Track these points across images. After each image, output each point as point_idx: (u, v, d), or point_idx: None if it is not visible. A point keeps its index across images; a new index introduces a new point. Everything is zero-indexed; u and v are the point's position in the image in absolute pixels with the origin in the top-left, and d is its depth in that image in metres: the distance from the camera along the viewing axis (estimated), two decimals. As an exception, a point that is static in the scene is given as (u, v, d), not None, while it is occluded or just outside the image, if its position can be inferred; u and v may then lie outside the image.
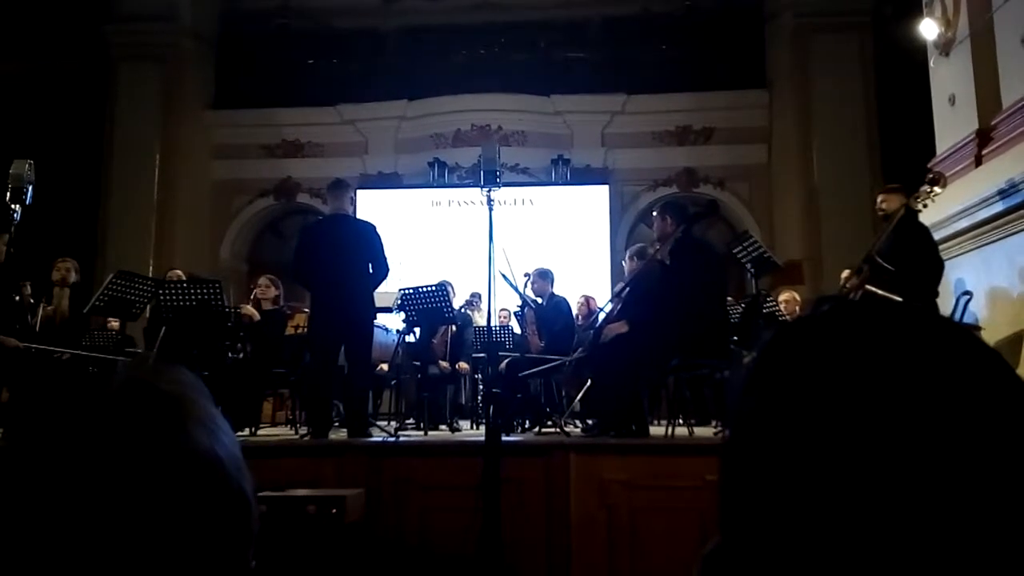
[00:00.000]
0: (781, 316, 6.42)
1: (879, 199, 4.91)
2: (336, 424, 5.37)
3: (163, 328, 4.91)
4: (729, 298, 5.70)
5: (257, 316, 5.97)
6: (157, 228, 9.99)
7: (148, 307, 5.32)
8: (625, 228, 10.37)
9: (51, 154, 8.26)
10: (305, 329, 5.89)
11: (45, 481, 0.57)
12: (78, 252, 7.27)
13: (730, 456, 0.51)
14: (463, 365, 6.71)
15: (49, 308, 5.07)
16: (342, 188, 4.87)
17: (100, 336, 6.39)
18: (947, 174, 5.25)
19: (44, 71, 10.53)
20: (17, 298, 4.73)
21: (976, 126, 5.58)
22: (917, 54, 6.75)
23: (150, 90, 10.17)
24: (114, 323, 6.48)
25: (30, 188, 3.55)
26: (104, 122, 10.18)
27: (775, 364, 0.50)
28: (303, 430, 5.33)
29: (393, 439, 4.21)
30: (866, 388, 0.45)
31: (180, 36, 10.35)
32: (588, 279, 8.98)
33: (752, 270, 5.03)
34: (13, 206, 3.51)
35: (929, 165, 5.84)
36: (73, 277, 5.27)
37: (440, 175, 10.32)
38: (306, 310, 5.88)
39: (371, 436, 4.39)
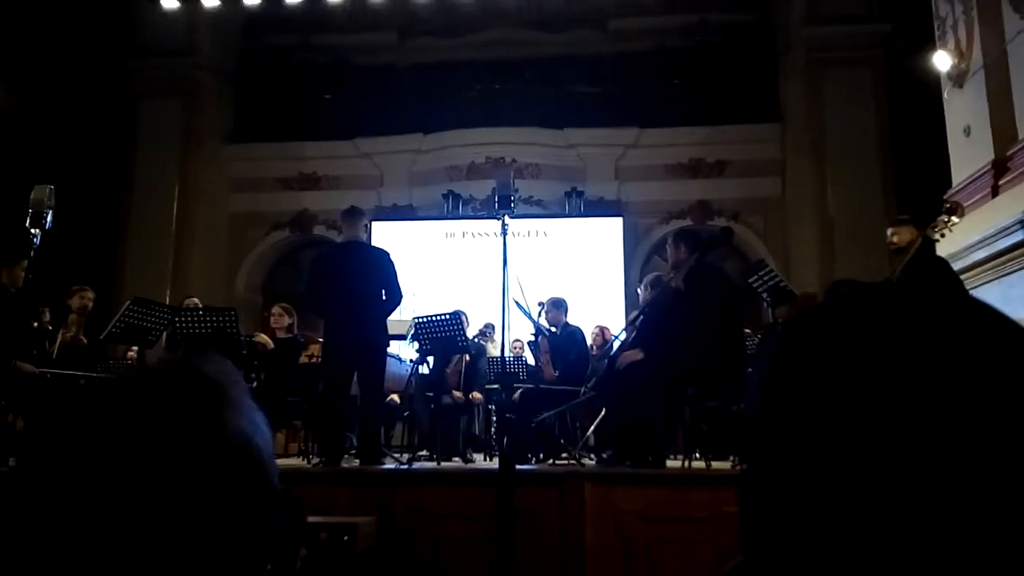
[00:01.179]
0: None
1: (889, 232, 4.85)
2: (351, 453, 5.33)
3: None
4: (747, 330, 5.65)
5: (271, 344, 5.97)
6: (174, 259, 10.09)
7: (164, 335, 5.34)
8: (639, 260, 10.37)
9: (73, 185, 8.39)
10: (319, 359, 5.88)
11: (82, 458, 0.57)
12: (96, 281, 7.35)
13: (752, 454, 0.49)
14: (476, 395, 6.66)
15: (68, 335, 5.11)
16: (356, 215, 4.90)
17: (118, 365, 6.41)
18: (964, 204, 5.22)
19: (68, 105, 10.75)
20: (36, 324, 4.76)
21: (992, 156, 5.57)
22: (931, 86, 6.78)
23: (170, 123, 10.35)
24: (132, 352, 6.51)
25: (50, 213, 3.59)
26: (125, 154, 10.36)
27: (797, 351, 0.48)
28: (316, 460, 5.30)
29: (406, 467, 4.17)
30: (897, 374, 0.43)
31: (200, 71, 10.57)
32: (602, 311, 8.95)
33: (768, 299, 4.99)
34: (33, 231, 3.54)
35: (946, 196, 5.81)
36: (90, 305, 5.32)
37: (454, 207, 10.39)
38: (320, 340, 5.88)
39: (384, 464, 4.35)
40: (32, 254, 3.64)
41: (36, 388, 4.57)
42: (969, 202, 5.55)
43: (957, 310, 0.46)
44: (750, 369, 4.75)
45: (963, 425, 0.40)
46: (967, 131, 5.99)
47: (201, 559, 0.57)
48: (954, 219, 4.68)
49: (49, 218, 3.57)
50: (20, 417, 4.91)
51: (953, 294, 0.48)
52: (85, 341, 5.22)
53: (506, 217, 3.74)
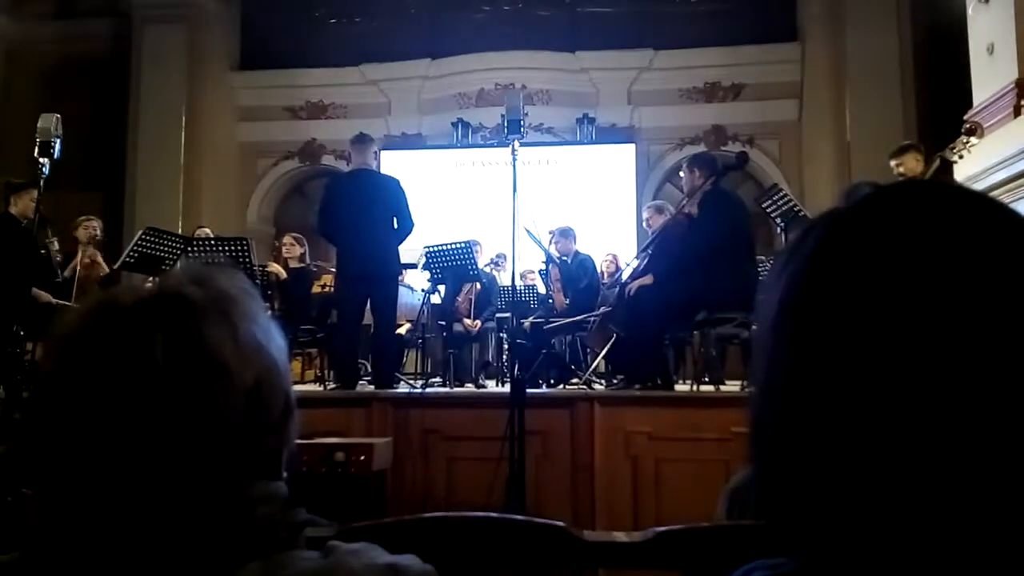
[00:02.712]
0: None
1: (893, 164, 4.74)
2: (364, 380, 5.43)
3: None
4: (760, 257, 5.62)
5: (284, 274, 6.02)
6: (184, 190, 10.06)
7: (177, 264, 5.38)
8: (652, 187, 10.25)
9: (77, 116, 8.33)
10: (331, 288, 5.93)
11: (67, 388, 0.59)
12: (105, 214, 7.39)
13: (770, 362, 0.46)
14: (469, 322, 6.66)
15: (85, 264, 5.15)
16: (365, 142, 4.85)
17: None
18: (985, 125, 5.09)
19: (69, 33, 10.58)
20: (44, 252, 4.80)
21: (1016, 75, 5.38)
22: (955, 2, 6.52)
23: (175, 52, 10.15)
24: (148, 282, 6.58)
25: (58, 142, 3.58)
26: (130, 83, 10.22)
27: (829, 256, 0.44)
28: (332, 386, 5.41)
29: (420, 391, 4.25)
30: (938, 279, 0.40)
31: (203, -4, 10.31)
32: (614, 238, 8.91)
33: (782, 224, 4.95)
34: (41, 160, 3.54)
35: (966, 116, 5.67)
36: (99, 235, 5.35)
37: (464, 136, 10.25)
38: (332, 269, 5.91)
39: (398, 389, 4.44)
40: (41, 183, 3.65)
41: (52, 316, 4.64)
42: (990, 123, 5.40)
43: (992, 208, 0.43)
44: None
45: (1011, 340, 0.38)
46: (990, 49, 5.78)
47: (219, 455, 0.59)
48: (973, 140, 4.59)
49: (57, 147, 3.56)
50: (39, 345, 5.02)
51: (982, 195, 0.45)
52: (106, 269, 5.26)
53: (516, 143, 3.69)
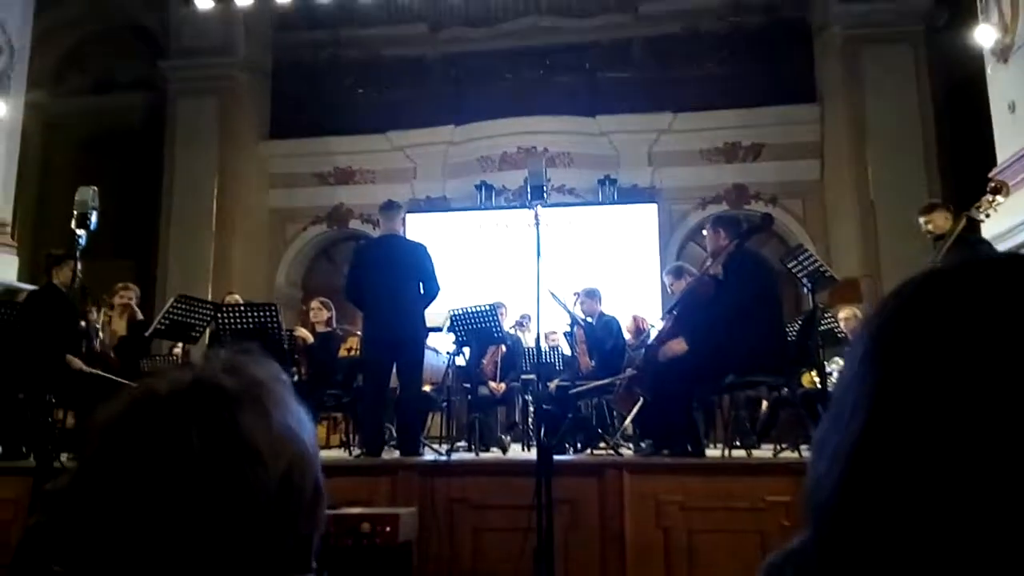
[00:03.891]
0: (840, 334, 6.25)
1: (922, 221, 4.71)
2: (390, 444, 5.39)
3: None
4: (787, 317, 5.56)
5: (311, 339, 6.06)
6: (215, 255, 10.26)
7: (207, 330, 5.45)
8: (674, 247, 10.26)
9: (114, 184, 8.61)
10: (358, 351, 5.95)
11: (101, 472, 0.60)
12: (139, 277, 7.55)
13: (852, 446, 0.41)
14: (495, 385, 6.63)
15: (114, 331, 5.23)
16: (394, 209, 4.94)
17: (163, 360, 6.57)
18: (1010, 183, 5.06)
19: (109, 106, 11.01)
20: (83, 324, 4.90)
21: (1040, 133, 5.40)
22: (975, 61, 6.58)
23: (208, 122, 10.51)
24: (177, 348, 6.66)
25: (95, 214, 3.68)
26: (164, 153, 10.57)
27: (919, 318, 0.40)
28: (356, 452, 5.38)
29: (445, 458, 4.20)
30: None
31: (236, 69, 10.71)
32: (638, 299, 8.89)
33: (808, 285, 4.90)
34: (79, 232, 3.64)
35: (991, 174, 5.65)
36: (135, 302, 5.45)
37: (487, 198, 10.40)
38: (358, 333, 5.95)
39: (423, 455, 4.39)
40: (78, 254, 3.74)
41: (85, 384, 4.70)
42: (1015, 180, 5.39)
43: None
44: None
45: None
46: (1012, 107, 5.81)
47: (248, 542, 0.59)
48: (999, 198, 4.54)
49: (94, 219, 3.66)
50: (71, 412, 5.07)
51: None
52: (127, 334, 5.34)
53: (539, 207, 3.74)
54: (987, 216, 4.59)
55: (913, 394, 0.38)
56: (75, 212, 3.65)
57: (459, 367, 6.12)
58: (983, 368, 0.37)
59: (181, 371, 0.66)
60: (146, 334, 5.24)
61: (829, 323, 6.11)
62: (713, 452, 4.53)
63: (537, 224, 3.64)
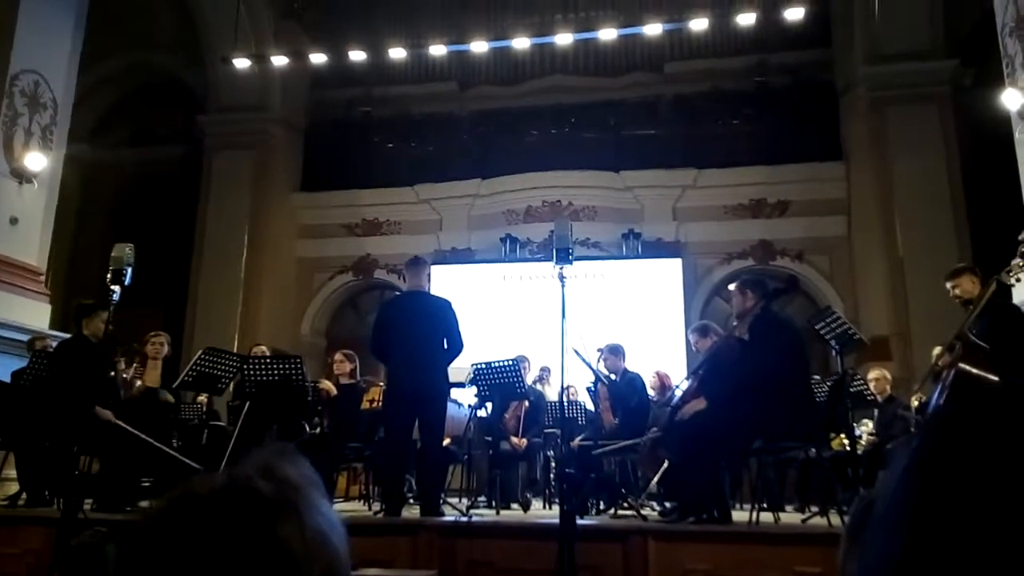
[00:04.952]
0: (870, 396, 6.14)
1: (949, 286, 4.64)
2: (410, 500, 5.35)
3: (247, 403, 5.05)
4: (816, 377, 5.48)
5: (335, 391, 6.08)
6: (243, 303, 10.42)
7: (232, 383, 5.49)
8: (699, 302, 10.21)
9: (148, 234, 8.81)
10: (380, 404, 5.95)
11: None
12: (168, 326, 7.65)
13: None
14: (516, 440, 6.57)
15: (143, 379, 5.29)
16: (420, 265, 4.98)
17: (189, 409, 6.61)
18: (1042, 246, 4.99)
19: (147, 159, 11.35)
20: (112, 374, 4.96)
21: (1071, 196, 5.34)
22: (1002, 122, 6.57)
23: (242, 174, 10.80)
24: (202, 397, 6.71)
25: (129, 270, 3.77)
26: (199, 204, 10.83)
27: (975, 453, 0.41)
28: (376, 505, 5.34)
29: (466, 519, 4.15)
30: None
31: (271, 124, 11.04)
32: (662, 354, 8.83)
33: (836, 347, 4.84)
34: (113, 287, 3.71)
35: (1021, 237, 5.58)
36: (166, 351, 5.52)
37: (512, 250, 10.48)
38: (381, 384, 5.96)
39: (444, 515, 4.34)
40: (111, 309, 3.81)
41: (112, 435, 4.74)
42: (1048, 244, 5.31)
43: None
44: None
45: None
46: (1042, 170, 5.77)
47: None
48: (1030, 262, 4.48)
49: (129, 275, 3.74)
50: (96, 460, 5.10)
51: None
52: (159, 384, 5.39)
53: (564, 268, 3.75)
54: (1017, 280, 4.51)
55: (951, 512, 0.39)
56: (111, 268, 3.72)
57: (480, 419, 6.09)
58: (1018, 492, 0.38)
59: (217, 474, 0.68)
60: (174, 386, 5.29)
61: (859, 385, 6.02)
62: (740, 514, 4.43)
63: (563, 287, 3.65)
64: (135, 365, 5.39)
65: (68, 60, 7.98)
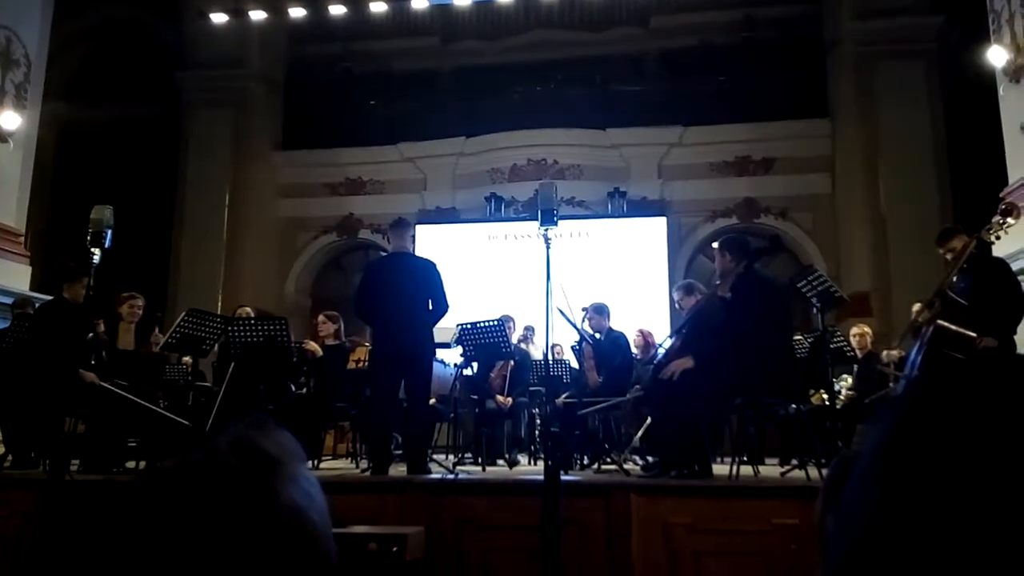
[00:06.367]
0: (850, 352, 6.23)
1: (941, 251, 4.66)
2: (396, 456, 5.41)
3: (231, 364, 5.06)
4: (798, 336, 5.55)
5: (320, 352, 6.09)
6: (226, 264, 10.34)
7: (217, 343, 5.48)
8: (683, 260, 10.26)
9: (127, 194, 8.68)
10: (366, 363, 5.98)
11: (147, 531, 0.62)
12: (150, 287, 7.60)
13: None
14: (501, 398, 6.64)
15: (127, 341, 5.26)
16: (403, 226, 4.97)
17: (173, 370, 6.61)
18: (1020, 205, 5.04)
19: (124, 118, 11.12)
20: (91, 335, 4.93)
21: (1052, 154, 5.38)
22: (987, 79, 6.57)
23: (221, 133, 10.62)
24: (187, 359, 6.69)
25: (109, 233, 3.72)
26: (178, 163, 10.66)
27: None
28: (364, 463, 5.40)
29: (452, 476, 4.21)
30: None
31: (250, 82, 10.82)
32: (646, 312, 8.89)
33: (818, 305, 4.90)
34: (92, 250, 3.67)
35: (1001, 195, 5.63)
36: (140, 312, 5.48)
37: (496, 209, 10.44)
38: (366, 344, 5.98)
39: (430, 472, 4.41)
40: (92, 272, 3.77)
41: (97, 397, 4.74)
42: (1027, 201, 5.36)
43: None
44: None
45: None
46: (1023, 128, 5.79)
47: None
48: (1010, 220, 4.52)
49: (109, 237, 3.69)
50: (81, 422, 5.11)
51: None
52: (156, 350, 5.38)
53: (549, 229, 3.75)
54: (997, 238, 4.56)
55: (912, 515, 0.38)
56: (90, 231, 3.68)
57: (466, 377, 6.13)
58: (983, 488, 0.37)
59: (189, 451, 0.68)
60: (156, 349, 5.28)
61: (839, 342, 6.10)
62: (720, 468, 4.52)
63: (547, 249, 3.65)
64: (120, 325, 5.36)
65: (41, 15, 7.75)
